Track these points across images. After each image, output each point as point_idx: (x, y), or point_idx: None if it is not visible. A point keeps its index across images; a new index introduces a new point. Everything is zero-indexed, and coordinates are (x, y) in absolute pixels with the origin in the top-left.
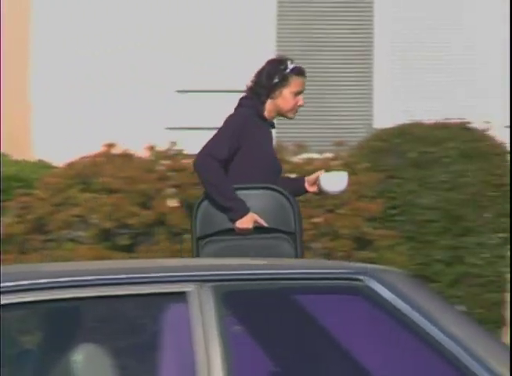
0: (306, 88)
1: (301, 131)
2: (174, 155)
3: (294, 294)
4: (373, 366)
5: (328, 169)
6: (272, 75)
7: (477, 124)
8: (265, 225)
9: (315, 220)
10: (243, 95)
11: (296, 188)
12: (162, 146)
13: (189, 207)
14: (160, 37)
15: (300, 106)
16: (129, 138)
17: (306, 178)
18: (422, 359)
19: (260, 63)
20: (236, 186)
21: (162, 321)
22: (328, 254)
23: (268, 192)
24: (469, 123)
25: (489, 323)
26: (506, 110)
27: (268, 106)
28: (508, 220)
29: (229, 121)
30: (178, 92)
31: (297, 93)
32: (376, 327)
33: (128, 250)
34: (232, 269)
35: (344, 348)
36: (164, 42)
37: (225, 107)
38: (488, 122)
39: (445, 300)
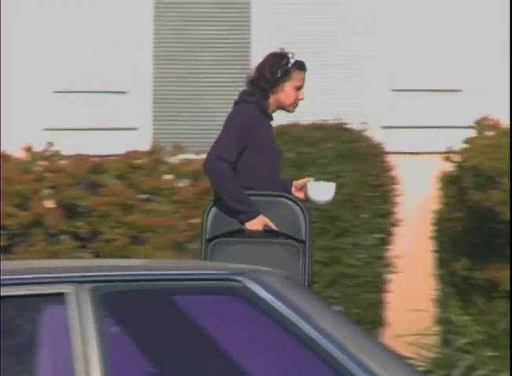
0: (184, 88)
1: (178, 131)
2: (51, 156)
3: (173, 295)
4: (251, 366)
5: (316, 178)
6: (275, 70)
7: (354, 125)
8: (275, 228)
9: (193, 221)
10: (244, 90)
11: (282, 190)
12: (39, 146)
13: (65, 208)
14: (36, 37)
15: (300, 99)
16: (6, 139)
17: (294, 183)
18: (300, 360)
19: (137, 64)
20: (248, 192)
21: (40, 322)
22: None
23: (282, 200)
24: (346, 124)
25: (366, 323)
26: (384, 110)
27: (270, 101)
28: (385, 221)
29: (235, 118)
30: (55, 92)
31: (299, 88)
32: (254, 327)
33: (6, 251)
34: (110, 270)
35: (222, 349)
36: (39, 42)
37: (101, 108)
38: (365, 123)
39: (323, 300)
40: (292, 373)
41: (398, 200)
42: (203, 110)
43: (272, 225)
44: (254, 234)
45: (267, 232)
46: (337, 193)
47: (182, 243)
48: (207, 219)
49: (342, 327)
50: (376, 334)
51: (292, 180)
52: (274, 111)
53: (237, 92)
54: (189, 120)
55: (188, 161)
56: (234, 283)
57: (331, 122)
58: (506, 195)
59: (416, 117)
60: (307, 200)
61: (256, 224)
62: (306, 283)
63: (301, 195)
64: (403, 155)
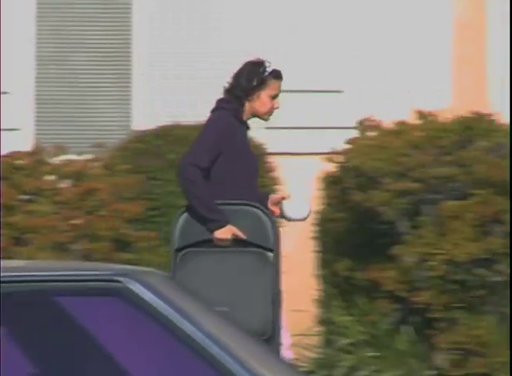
0: (66, 88)
1: (60, 132)
2: None
3: (55, 296)
4: (131, 367)
5: (291, 194)
6: (251, 78)
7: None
8: (243, 237)
9: (75, 221)
10: (220, 97)
11: (258, 201)
12: None
13: None
14: None
15: (276, 108)
16: None
17: (270, 196)
18: (182, 360)
19: (20, 65)
20: (218, 201)
21: None
22: (88, 256)
23: (249, 208)
24: None
25: None
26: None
27: (245, 108)
28: None
29: (212, 125)
30: None
31: (274, 96)
32: (136, 328)
33: None
34: None
35: (104, 350)
36: None
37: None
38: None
39: (205, 301)
40: (173, 373)
41: None
42: (85, 110)
43: (241, 234)
44: (222, 243)
45: (236, 241)
46: None
47: (64, 244)
48: (176, 228)
49: (224, 327)
50: None
51: (269, 193)
52: (249, 119)
53: (119, 93)
54: (71, 121)
55: (70, 162)
56: (116, 284)
57: None
58: (387, 195)
59: (298, 117)
60: (281, 217)
61: (224, 233)
62: (276, 291)
63: (276, 210)
64: (285, 156)
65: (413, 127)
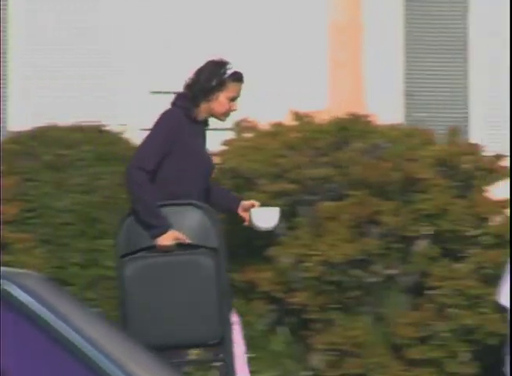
0: None
1: None
2: None
3: None
4: (9, 367)
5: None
6: (211, 78)
7: (112, 127)
8: (187, 241)
9: None
10: (179, 92)
11: (228, 206)
12: None
13: None
14: None
15: (233, 110)
16: None
17: (241, 203)
18: (60, 363)
19: None
20: (160, 203)
21: None
22: None
23: (190, 208)
24: (104, 126)
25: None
26: (142, 113)
27: (202, 108)
28: None
29: (160, 124)
30: None
31: (233, 99)
32: (13, 330)
33: None
34: None
35: None
36: None
37: None
38: (123, 125)
39: (82, 302)
40: (49, 373)
41: None
42: None
43: (184, 238)
44: (165, 249)
45: (180, 244)
46: (95, 195)
47: None
48: (120, 234)
49: (101, 328)
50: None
51: (241, 199)
52: (206, 118)
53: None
54: None
55: None
56: None
57: (89, 124)
58: (264, 197)
59: None
60: (251, 226)
61: (166, 239)
62: (223, 292)
63: (246, 216)
64: None
65: (290, 128)
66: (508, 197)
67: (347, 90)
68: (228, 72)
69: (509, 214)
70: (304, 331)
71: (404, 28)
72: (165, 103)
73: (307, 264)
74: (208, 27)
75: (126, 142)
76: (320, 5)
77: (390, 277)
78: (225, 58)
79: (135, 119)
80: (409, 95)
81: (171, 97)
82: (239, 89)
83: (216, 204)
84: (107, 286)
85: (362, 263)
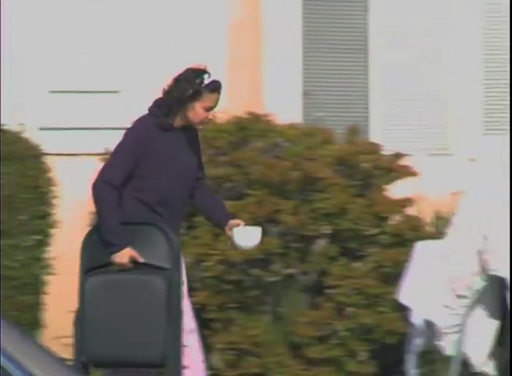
0: None
1: None
2: None
3: None
4: None
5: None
6: (187, 88)
7: (11, 126)
8: (141, 260)
9: None
10: (157, 98)
11: (218, 221)
12: None
13: None
14: None
15: (210, 119)
16: None
17: (229, 221)
18: None
19: None
20: (123, 221)
21: None
22: None
23: (150, 228)
24: (3, 125)
25: (24, 325)
26: (41, 112)
27: (178, 116)
28: (43, 222)
29: (129, 133)
30: None
31: (209, 109)
32: None
33: None
34: None
35: None
36: None
37: None
38: (22, 124)
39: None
40: None
41: (55, 201)
42: None
43: (138, 257)
44: (121, 267)
45: (136, 263)
46: None
47: None
48: (84, 249)
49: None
50: (35, 335)
51: (232, 217)
52: (181, 125)
53: None
54: None
55: None
56: None
57: None
58: None
59: (73, 118)
60: (233, 245)
61: (122, 257)
62: (175, 312)
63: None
64: (61, 156)
65: None
66: (406, 195)
67: (246, 90)
68: (205, 82)
69: (408, 212)
70: (203, 331)
71: (302, 27)
72: (64, 103)
73: (207, 263)
74: (105, 27)
75: (25, 142)
76: (220, 5)
77: (289, 276)
78: (204, 65)
79: (34, 118)
80: (307, 94)
81: (70, 96)
82: (216, 99)
83: (206, 217)
84: (6, 286)
85: (262, 262)
